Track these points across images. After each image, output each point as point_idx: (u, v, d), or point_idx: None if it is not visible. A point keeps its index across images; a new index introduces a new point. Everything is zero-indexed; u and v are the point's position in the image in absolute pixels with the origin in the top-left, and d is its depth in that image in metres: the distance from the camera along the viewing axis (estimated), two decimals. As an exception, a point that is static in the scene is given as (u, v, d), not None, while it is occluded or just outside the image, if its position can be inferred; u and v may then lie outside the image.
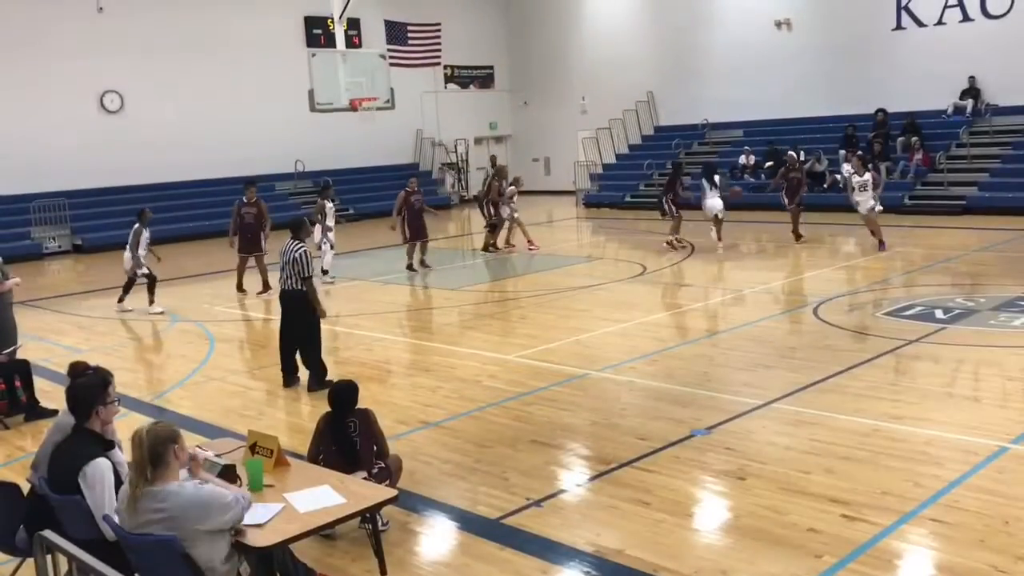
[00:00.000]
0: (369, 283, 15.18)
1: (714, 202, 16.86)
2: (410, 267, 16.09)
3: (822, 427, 7.06)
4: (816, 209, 21.36)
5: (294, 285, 8.82)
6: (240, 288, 14.77)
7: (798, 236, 17.32)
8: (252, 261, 14.89)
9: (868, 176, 15.86)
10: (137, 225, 13.35)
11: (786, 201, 17.58)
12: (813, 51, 24.34)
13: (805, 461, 6.39)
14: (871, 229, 16.02)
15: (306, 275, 8.75)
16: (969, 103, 21.83)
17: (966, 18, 22.01)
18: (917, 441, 6.69)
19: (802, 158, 23.15)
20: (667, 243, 17.24)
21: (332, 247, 15.53)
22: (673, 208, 17.26)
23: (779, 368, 8.82)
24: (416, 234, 16.11)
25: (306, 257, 8.73)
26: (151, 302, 13.46)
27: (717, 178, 17.19)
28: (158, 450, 3.90)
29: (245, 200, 14.82)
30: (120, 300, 13.65)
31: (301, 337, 8.99)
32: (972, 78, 21.91)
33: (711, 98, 26.52)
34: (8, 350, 8.84)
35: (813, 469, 6.23)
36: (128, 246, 13.43)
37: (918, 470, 6.13)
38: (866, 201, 15.81)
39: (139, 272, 13.39)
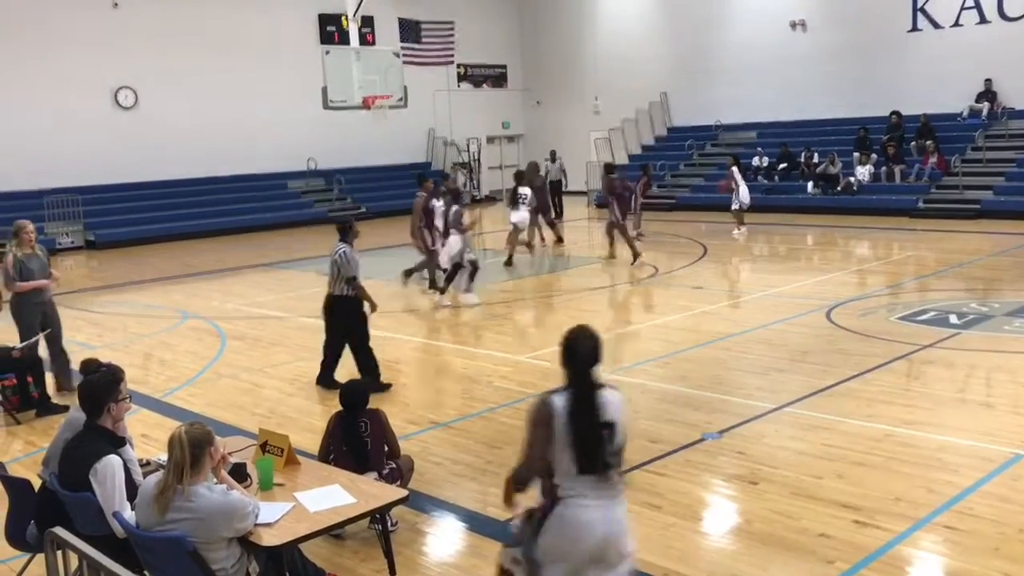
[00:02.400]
0: (380, 281, 15.16)
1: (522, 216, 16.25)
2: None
3: (834, 432, 7.01)
4: (828, 212, 21.33)
5: (338, 290, 8.62)
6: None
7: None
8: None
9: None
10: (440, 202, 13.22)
11: (620, 215, 15.87)
12: (828, 52, 24.22)
13: (817, 466, 6.35)
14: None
15: (350, 276, 8.57)
16: (985, 106, 21.70)
17: (983, 20, 21.88)
18: (930, 447, 6.64)
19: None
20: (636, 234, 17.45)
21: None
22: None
23: (791, 372, 8.77)
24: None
25: (346, 258, 8.53)
26: (467, 289, 12.90)
27: (527, 191, 16.37)
28: (196, 452, 3.96)
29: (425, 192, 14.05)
30: (442, 291, 13.05)
31: (352, 343, 8.77)
32: (988, 81, 21.78)
33: (724, 99, 26.44)
34: (22, 344, 8.87)
35: (825, 474, 6.19)
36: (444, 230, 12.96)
37: (931, 476, 6.08)
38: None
39: (466, 258, 12.87)
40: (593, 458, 3.58)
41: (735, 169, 19.00)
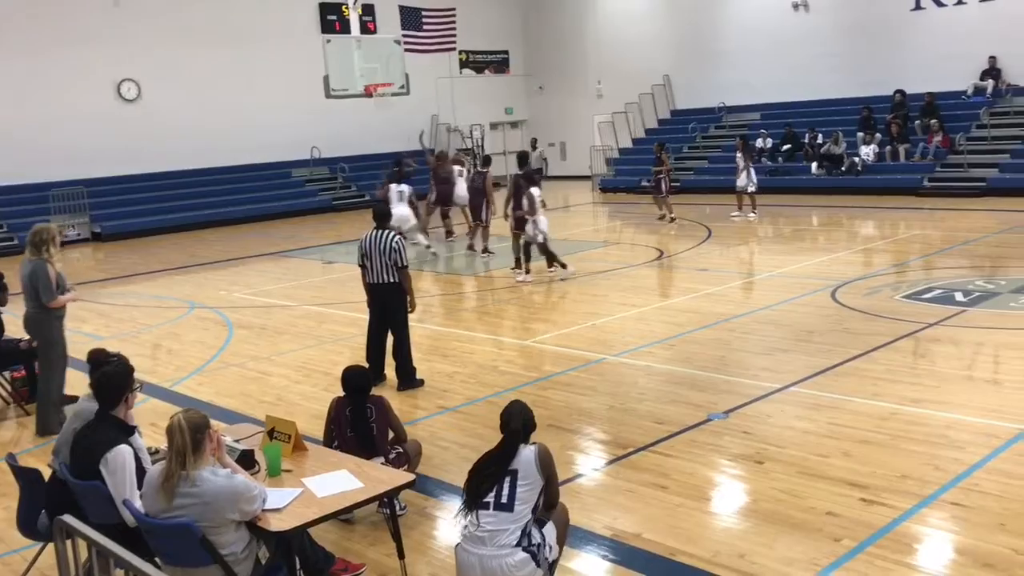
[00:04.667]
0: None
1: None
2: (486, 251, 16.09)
3: (840, 411, 7.02)
4: (833, 192, 21.29)
5: (390, 278, 8.26)
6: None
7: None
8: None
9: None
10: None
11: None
12: (831, 32, 24.12)
13: (823, 445, 6.36)
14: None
15: (403, 265, 8.23)
16: (990, 84, 21.58)
17: (987, -3, 21.72)
18: (936, 424, 6.65)
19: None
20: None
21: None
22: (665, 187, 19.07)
23: (797, 352, 8.78)
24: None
25: (403, 246, 8.29)
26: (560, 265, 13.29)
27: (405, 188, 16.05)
28: (197, 437, 3.99)
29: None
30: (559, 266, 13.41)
31: (396, 333, 8.44)
32: (993, 58, 21.64)
33: (728, 81, 26.34)
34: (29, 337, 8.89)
35: (831, 453, 6.20)
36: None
37: (938, 453, 6.09)
38: None
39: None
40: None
41: (738, 152, 18.96)
